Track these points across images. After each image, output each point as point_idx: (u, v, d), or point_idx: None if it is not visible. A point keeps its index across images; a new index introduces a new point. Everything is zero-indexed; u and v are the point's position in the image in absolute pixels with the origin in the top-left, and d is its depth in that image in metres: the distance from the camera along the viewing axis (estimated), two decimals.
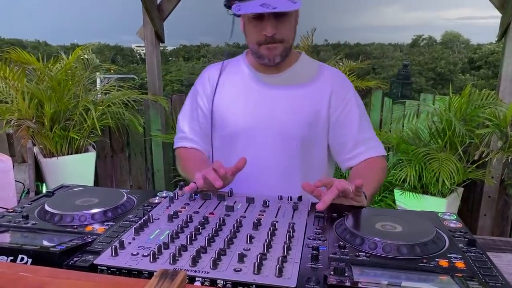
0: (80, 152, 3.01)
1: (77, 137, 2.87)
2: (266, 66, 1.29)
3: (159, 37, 3.48)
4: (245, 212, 0.98)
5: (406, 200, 2.82)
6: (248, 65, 1.36)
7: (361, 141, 1.31)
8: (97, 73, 3.37)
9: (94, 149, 3.17)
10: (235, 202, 1.03)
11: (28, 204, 1.05)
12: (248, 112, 1.31)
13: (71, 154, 2.96)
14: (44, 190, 2.94)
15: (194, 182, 1.08)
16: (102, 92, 3.24)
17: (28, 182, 2.64)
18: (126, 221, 0.94)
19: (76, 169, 2.92)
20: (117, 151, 3.73)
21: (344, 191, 1.00)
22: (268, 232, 0.85)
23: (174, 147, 1.46)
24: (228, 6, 1.25)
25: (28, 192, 2.46)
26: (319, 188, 1.01)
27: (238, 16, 1.27)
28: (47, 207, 0.97)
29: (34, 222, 0.92)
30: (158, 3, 3.40)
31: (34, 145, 3.04)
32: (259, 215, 0.96)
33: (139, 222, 0.88)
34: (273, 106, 1.30)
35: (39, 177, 2.96)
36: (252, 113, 1.31)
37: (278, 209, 1.00)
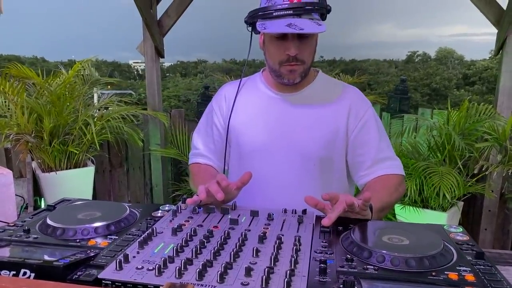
0: (79, 167, 3.00)
1: (76, 152, 2.86)
2: (284, 85, 1.30)
3: (159, 52, 3.51)
4: (249, 225, 0.97)
5: (406, 214, 2.80)
6: (265, 83, 1.37)
7: (380, 160, 1.30)
8: (94, 89, 3.37)
9: (93, 163, 3.15)
10: (239, 215, 1.02)
11: (29, 218, 1.03)
12: (266, 130, 1.31)
13: (70, 168, 2.94)
14: (43, 205, 2.93)
15: (197, 195, 1.07)
16: (101, 107, 3.24)
17: (26, 197, 2.62)
18: (129, 234, 0.93)
19: (75, 184, 2.91)
20: (115, 166, 3.71)
21: (351, 206, 0.99)
22: (274, 246, 0.84)
23: (189, 163, 1.47)
24: (250, 23, 1.26)
25: (26, 207, 2.44)
26: (322, 202, 1.00)
27: (257, 33, 1.28)
28: (49, 221, 0.96)
29: (35, 236, 0.91)
30: (158, 18, 3.44)
31: (33, 159, 3.03)
32: (264, 228, 0.95)
33: (143, 236, 0.87)
34: (291, 125, 1.30)
35: (37, 192, 2.93)
36: (270, 131, 1.30)
37: (283, 222, 0.99)
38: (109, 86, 3.56)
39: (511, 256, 1.07)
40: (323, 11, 1.20)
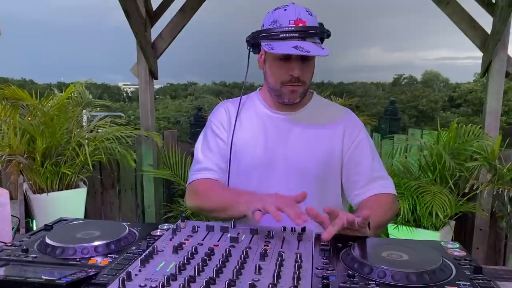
0: (71, 188, 2.97)
1: (69, 173, 2.83)
2: (283, 104, 1.33)
3: (153, 74, 3.54)
4: (249, 243, 0.98)
5: (399, 234, 2.82)
6: (263, 102, 1.40)
7: (373, 179, 1.33)
8: (84, 111, 3.38)
9: (85, 184, 3.12)
10: (239, 233, 1.03)
11: (27, 238, 1.02)
12: (265, 149, 1.33)
13: (62, 190, 2.91)
14: (35, 227, 2.87)
15: (260, 210, 1.04)
16: (95, 128, 3.24)
17: (18, 218, 2.57)
18: (129, 253, 0.92)
19: (66, 205, 2.87)
20: (107, 187, 3.68)
21: (351, 223, 1.01)
22: (276, 263, 0.84)
23: (191, 180, 1.38)
24: (253, 43, 1.29)
25: (18, 229, 2.39)
26: (322, 215, 1.01)
27: (256, 53, 1.32)
28: (48, 240, 0.95)
29: (35, 255, 0.90)
30: (152, 41, 3.48)
31: (24, 181, 2.99)
32: (264, 245, 0.96)
33: (145, 254, 0.87)
34: (290, 143, 1.33)
35: (28, 213, 2.89)
36: (270, 150, 1.33)
37: (283, 240, 1.00)
38: (98, 108, 3.56)
39: (507, 272, 1.08)
40: (324, 36, 1.26)
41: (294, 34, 1.19)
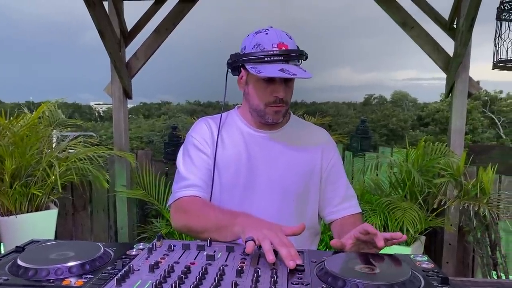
0: (41, 210, 2.88)
1: (39, 194, 2.76)
2: (266, 124, 1.36)
3: (127, 94, 3.53)
4: (226, 260, 0.99)
5: None
6: (243, 120, 1.42)
7: (347, 198, 1.42)
8: (54, 131, 3.31)
9: (56, 206, 3.04)
10: (215, 251, 1.04)
11: None
12: (248, 167, 1.35)
13: (31, 212, 2.82)
14: (2, 250, 2.75)
15: (253, 240, 0.99)
16: (66, 148, 3.17)
17: None
18: (105, 273, 0.91)
19: (36, 227, 2.77)
20: (78, 209, 3.59)
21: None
22: (252, 279, 0.86)
23: (176, 197, 1.32)
24: (235, 66, 1.33)
25: None
26: (343, 242, 1.08)
27: (236, 75, 1.36)
28: (19, 262, 0.93)
29: (6, 278, 0.88)
30: (126, 61, 3.49)
31: None
32: (240, 262, 0.97)
33: (121, 273, 0.87)
34: (272, 161, 1.36)
35: None
36: (252, 168, 1.35)
37: (259, 256, 1.01)
38: (69, 128, 3.51)
39: (473, 282, 1.13)
40: (303, 58, 1.32)
41: (278, 58, 1.23)
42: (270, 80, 1.28)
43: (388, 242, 1.04)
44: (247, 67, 1.28)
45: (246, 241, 1.01)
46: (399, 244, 2.85)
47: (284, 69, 1.22)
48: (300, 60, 1.31)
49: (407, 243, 2.89)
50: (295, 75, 1.22)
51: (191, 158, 1.37)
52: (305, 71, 1.27)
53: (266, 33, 1.27)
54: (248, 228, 1.06)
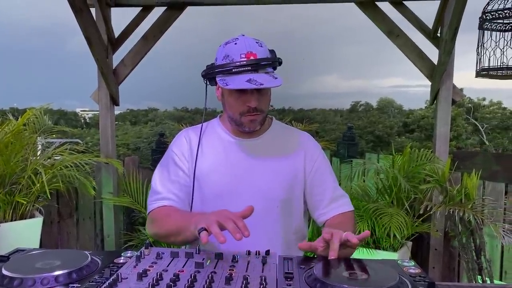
0: (25, 218, 2.83)
1: (24, 202, 2.71)
2: (244, 132, 1.37)
3: (114, 100, 3.50)
4: (215, 267, 0.99)
5: (359, 255, 2.86)
6: (224, 129, 1.43)
7: (336, 198, 1.42)
8: (39, 138, 3.27)
9: (41, 214, 2.99)
10: (203, 258, 1.04)
11: None
12: (229, 175, 1.35)
13: (15, 220, 2.77)
14: None
15: (205, 229, 1.05)
16: (52, 155, 3.13)
17: None
18: (92, 282, 0.91)
19: (20, 236, 2.72)
20: (64, 216, 3.53)
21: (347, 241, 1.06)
22: (241, 286, 0.86)
23: (149, 209, 1.39)
24: (208, 78, 1.33)
25: None
26: (314, 243, 1.08)
27: (213, 85, 1.36)
28: (4, 272, 0.92)
29: None
30: (114, 67, 3.47)
31: None
32: (229, 270, 0.97)
33: (108, 282, 0.86)
34: (254, 169, 1.36)
35: None
36: (233, 176, 1.35)
37: (248, 263, 1.02)
38: (54, 135, 3.46)
39: (459, 287, 1.15)
40: (276, 65, 1.32)
41: (246, 68, 1.23)
42: (241, 90, 1.28)
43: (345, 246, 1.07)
44: (217, 79, 1.29)
45: (199, 233, 1.06)
46: (386, 250, 2.89)
47: (251, 79, 1.22)
48: (272, 68, 1.31)
49: (394, 249, 2.92)
50: (262, 84, 1.21)
51: (168, 173, 1.41)
52: (276, 78, 1.26)
53: (235, 43, 1.27)
54: (199, 221, 1.10)
